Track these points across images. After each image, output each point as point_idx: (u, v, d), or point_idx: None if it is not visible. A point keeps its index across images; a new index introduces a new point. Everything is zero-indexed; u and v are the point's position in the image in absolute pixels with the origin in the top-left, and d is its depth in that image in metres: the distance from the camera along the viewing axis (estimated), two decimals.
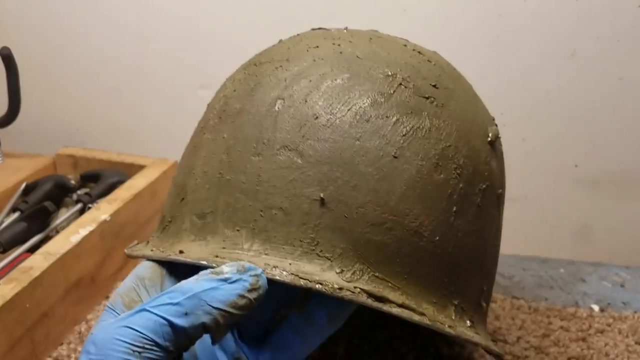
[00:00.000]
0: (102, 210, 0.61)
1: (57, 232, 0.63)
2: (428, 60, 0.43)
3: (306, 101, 0.39)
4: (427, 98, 0.40)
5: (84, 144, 0.89)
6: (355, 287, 0.34)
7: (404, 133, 0.38)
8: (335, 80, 0.40)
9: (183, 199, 0.40)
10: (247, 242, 0.37)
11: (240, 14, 0.78)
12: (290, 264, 0.35)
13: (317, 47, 0.43)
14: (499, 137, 0.45)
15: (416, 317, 0.35)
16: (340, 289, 0.34)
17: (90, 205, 0.68)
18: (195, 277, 0.32)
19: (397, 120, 0.38)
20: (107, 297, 0.58)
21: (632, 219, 0.77)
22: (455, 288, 0.39)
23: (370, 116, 0.38)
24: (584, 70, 0.72)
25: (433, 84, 0.41)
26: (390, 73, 0.40)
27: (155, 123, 0.88)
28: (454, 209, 0.39)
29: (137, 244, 0.43)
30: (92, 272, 0.58)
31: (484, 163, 0.41)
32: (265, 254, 0.36)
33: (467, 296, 0.40)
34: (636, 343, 0.56)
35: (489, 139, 0.43)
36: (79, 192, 0.71)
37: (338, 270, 0.35)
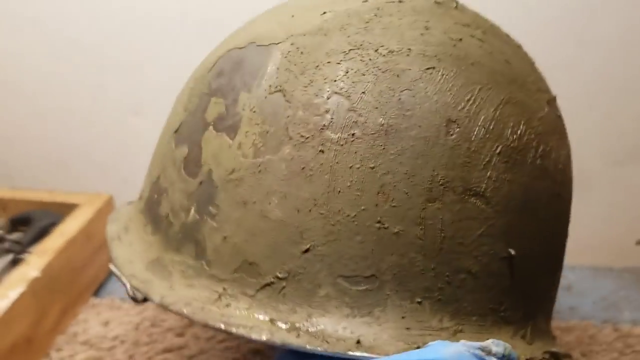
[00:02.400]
0: (32, 265, 0.55)
1: None
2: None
3: (484, 128, 0.33)
4: (559, 117, 0.39)
5: (11, 181, 0.82)
6: (544, 353, 0.35)
7: (561, 166, 0.37)
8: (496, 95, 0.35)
9: (309, 249, 0.32)
10: (435, 318, 0.32)
11: (171, 28, 0.70)
12: (486, 338, 0.30)
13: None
14: None
15: None
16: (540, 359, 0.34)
17: (21, 256, 0.62)
18: (463, 346, 0.28)
19: (552, 147, 0.37)
20: (47, 355, 0.53)
21: (574, 218, 0.75)
22: None
23: (543, 147, 0.36)
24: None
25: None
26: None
27: (85, 153, 0.80)
28: None
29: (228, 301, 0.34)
30: (27, 333, 0.53)
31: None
32: (461, 332, 0.32)
33: None
34: (582, 355, 0.53)
35: None
36: (9, 238, 0.65)
37: (521, 334, 0.34)
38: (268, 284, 0.33)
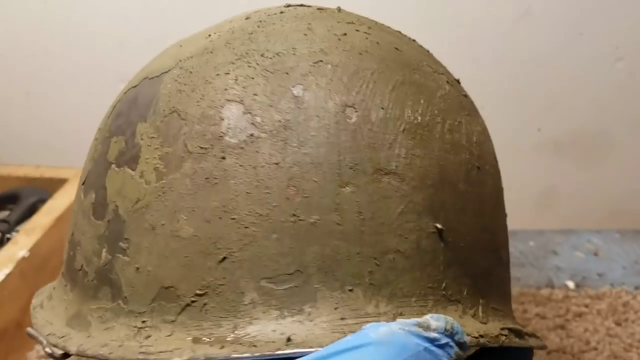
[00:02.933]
0: (20, 245, 0.53)
1: None
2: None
3: (383, 108, 0.33)
4: (466, 96, 0.39)
5: None
6: (502, 330, 0.33)
7: (475, 139, 0.37)
8: (390, 76, 0.35)
9: (225, 258, 0.30)
10: (371, 304, 0.30)
11: None
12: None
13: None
14: None
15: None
16: (497, 336, 0.32)
17: (9, 235, 0.60)
18: (396, 324, 0.26)
19: (466, 117, 0.37)
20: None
21: (597, 182, 0.75)
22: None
23: (450, 122, 0.36)
24: (539, 26, 0.68)
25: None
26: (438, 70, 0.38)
27: (73, 127, 0.76)
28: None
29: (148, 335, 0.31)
30: (17, 317, 0.52)
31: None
32: (401, 315, 0.30)
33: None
34: (616, 324, 0.52)
35: None
36: None
37: (472, 313, 0.33)
38: (188, 305, 0.31)
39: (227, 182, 0.31)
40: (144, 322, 0.31)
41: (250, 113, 0.32)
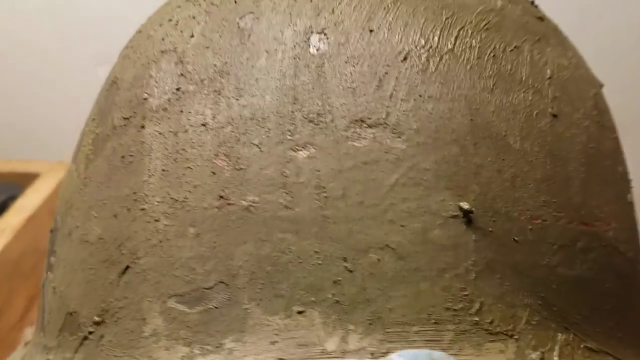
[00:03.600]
0: None
1: None
2: None
3: (372, 30, 0.22)
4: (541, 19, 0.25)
5: None
6: None
7: (549, 74, 0.23)
8: None
9: (127, 268, 0.21)
10: (334, 336, 0.19)
11: None
12: None
13: None
14: None
15: None
16: None
17: None
18: None
19: (532, 51, 0.23)
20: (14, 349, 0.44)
21: None
22: None
23: (496, 47, 0.22)
24: None
25: None
26: None
27: (46, 116, 0.71)
28: (630, 195, 0.24)
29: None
30: None
31: None
32: (388, 354, 0.18)
33: None
34: None
35: None
36: None
37: (535, 356, 0.19)
38: (86, 337, 0.22)
39: (141, 160, 0.22)
40: None
41: (181, 62, 0.23)
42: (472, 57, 0.22)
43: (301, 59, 0.21)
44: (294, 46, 0.22)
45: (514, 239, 0.20)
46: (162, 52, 0.24)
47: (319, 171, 0.20)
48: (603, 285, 0.22)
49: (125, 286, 0.21)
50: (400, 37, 0.22)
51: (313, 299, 0.19)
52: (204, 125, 0.21)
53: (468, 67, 0.22)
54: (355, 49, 0.21)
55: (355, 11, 0.22)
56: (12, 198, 0.57)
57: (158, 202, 0.21)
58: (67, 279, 0.23)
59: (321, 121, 0.20)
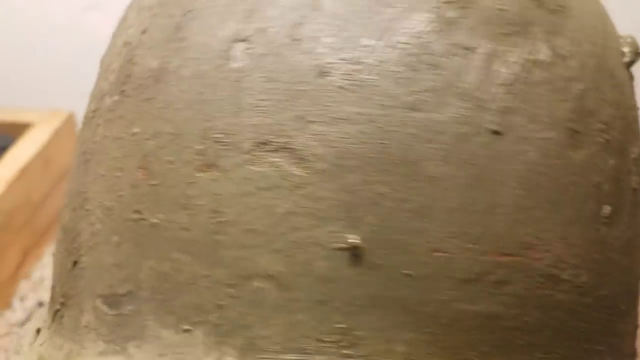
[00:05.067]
0: None
1: None
2: None
3: (295, 39, 0.21)
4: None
5: None
6: None
7: (504, 79, 0.21)
8: None
9: (76, 262, 0.24)
10: (211, 354, 0.20)
11: None
12: None
13: None
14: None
15: None
16: None
17: None
18: None
19: (490, 53, 0.21)
20: (9, 305, 0.47)
21: None
22: (607, 347, 0.22)
23: (435, 52, 0.20)
24: None
25: None
26: None
27: (36, 62, 0.68)
28: (605, 211, 0.22)
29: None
30: None
31: (631, 106, 0.24)
32: None
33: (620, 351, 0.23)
34: None
35: (627, 58, 0.24)
36: None
37: None
38: (57, 311, 0.25)
39: (93, 159, 0.24)
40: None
41: (131, 61, 0.24)
42: (403, 69, 0.20)
43: (221, 71, 0.21)
44: (218, 55, 0.21)
45: (407, 274, 0.19)
46: (124, 44, 0.25)
47: (218, 195, 0.20)
48: (520, 320, 0.20)
49: (74, 277, 0.23)
50: (324, 48, 0.20)
51: (199, 319, 0.20)
52: (133, 135, 0.22)
53: (395, 81, 0.20)
54: (276, 62, 0.20)
55: (285, 15, 0.21)
56: (2, 148, 0.53)
57: (96, 205, 0.23)
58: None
59: (229, 142, 0.20)
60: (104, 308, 0.22)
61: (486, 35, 0.21)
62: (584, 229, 0.21)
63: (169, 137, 0.21)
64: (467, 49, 0.20)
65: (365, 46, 0.20)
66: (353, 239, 0.19)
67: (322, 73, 0.20)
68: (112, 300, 0.22)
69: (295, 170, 0.20)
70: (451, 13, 0.21)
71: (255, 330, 0.19)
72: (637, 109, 0.25)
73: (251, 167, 0.20)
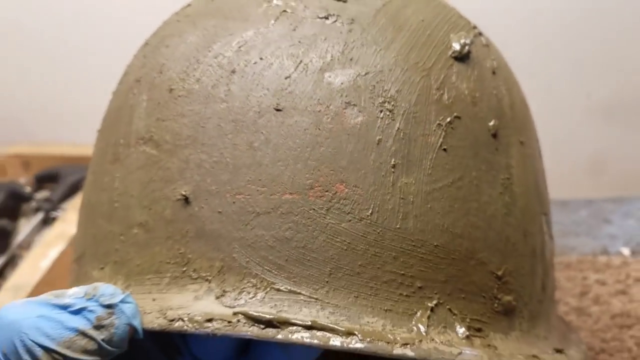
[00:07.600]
0: (69, 221, 0.52)
1: (21, 249, 0.59)
2: None
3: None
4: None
5: (30, 136, 0.74)
6: (235, 314, 0.25)
7: (290, 67, 0.28)
8: (190, 36, 0.31)
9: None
10: (112, 282, 0.29)
11: None
12: (154, 299, 0.26)
13: None
14: (478, 48, 0.32)
15: (336, 341, 0.24)
16: (209, 320, 0.24)
17: (53, 213, 0.60)
18: (28, 299, 0.23)
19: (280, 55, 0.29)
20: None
21: None
22: (425, 282, 0.27)
23: (231, 59, 0.29)
24: None
25: None
26: None
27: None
28: (392, 162, 0.27)
29: None
30: None
31: (439, 87, 0.29)
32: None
33: (458, 290, 0.28)
34: None
35: (453, 52, 0.31)
36: (36, 197, 0.63)
37: (218, 294, 0.26)
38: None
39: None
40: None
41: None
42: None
43: (129, 94, 0.32)
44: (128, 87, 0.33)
45: (219, 211, 0.27)
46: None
47: (118, 176, 0.30)
48: (307, 241, 0.26)
49: None
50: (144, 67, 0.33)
51: (107, 259, 0.30)
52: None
53: (208, 87, 0.29)
54: (131, 84, 0.33)
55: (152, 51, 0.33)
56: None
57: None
58: None
59: (122, 142, 0.32)
60: (75, 267, 0.33)
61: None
62: (368, 174, 0.27)
63: (101, 146, 0.33)
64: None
65: (199, 68, 0.30)
66: (184, 191, 0.28)
67: (170, 89, 0.30)
68: (77, 261, 0.32)
69: (154, 151, 0.29)
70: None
71: (133, 262, 0.28)
72: (452, 87, 0.29)
73: (133, 156, 0.30)
